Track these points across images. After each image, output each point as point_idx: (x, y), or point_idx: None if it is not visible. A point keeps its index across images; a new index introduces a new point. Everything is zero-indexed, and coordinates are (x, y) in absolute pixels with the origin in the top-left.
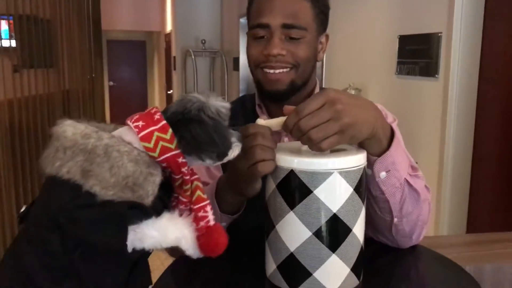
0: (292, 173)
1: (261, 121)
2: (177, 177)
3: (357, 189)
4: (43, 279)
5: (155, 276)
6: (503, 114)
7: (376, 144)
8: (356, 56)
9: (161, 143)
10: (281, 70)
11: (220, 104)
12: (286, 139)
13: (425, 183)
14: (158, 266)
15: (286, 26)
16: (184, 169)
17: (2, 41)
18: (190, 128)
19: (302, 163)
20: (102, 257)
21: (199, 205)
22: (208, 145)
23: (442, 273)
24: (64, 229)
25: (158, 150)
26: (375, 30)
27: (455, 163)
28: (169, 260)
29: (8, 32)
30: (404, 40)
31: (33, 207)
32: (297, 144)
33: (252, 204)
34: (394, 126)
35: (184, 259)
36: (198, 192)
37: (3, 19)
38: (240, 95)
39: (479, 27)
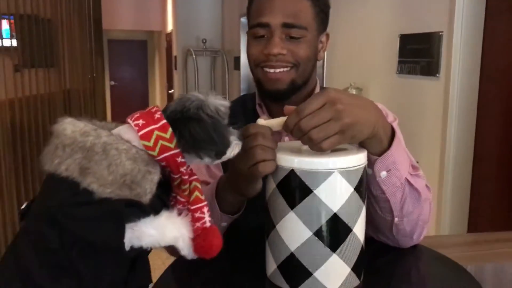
0: (292, 173)
1: (261, 121)
2: (175, 176)
3: (358, 189)
4: (42, 276)
5: (156, 275)
6: (504, 113)
7: (377, 143)
8: (357, 56)
9: (160, 142)
10: (281, 70)
11: (219, 103)
12: (286, 138)
13: (426, 183)
14: (159, 266)
15: (286, 26)
16: (182, 169)
17: (3, 40)
18: (189, 127)
19: (302, 162)
20: (100, 255)
21: (197, 206)
22: (207, 143)
23: (443, 273)
24: (63, 226)
25: (157, 149)
26: (376, 29)
27: (456, 162)
28: (170, 260)
29: (9, 31)
30: (405, 39)
31: (33, 204)
32: (297, 143)
33: (252, 204)
34: (395, 125)
35: (185, 258)
36: (196, 193)
37: (4, 18)
38: (241, 94)
39: (480, 26)
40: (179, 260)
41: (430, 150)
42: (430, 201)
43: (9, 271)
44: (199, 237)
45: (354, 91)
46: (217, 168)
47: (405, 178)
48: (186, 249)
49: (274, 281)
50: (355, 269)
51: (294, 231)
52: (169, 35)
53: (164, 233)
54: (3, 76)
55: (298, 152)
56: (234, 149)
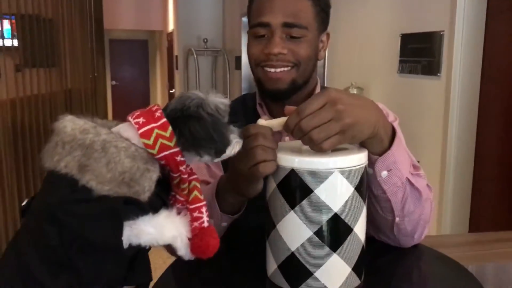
0: (292, 173)
1: (262, 122)
2: (175, 175)
3: (358, 189)
4: (42, 272)
5: (157, 274)
6: (505, 113)
7: (378, 143)
8: (358, 55)
9: (160, 140)
10: (282, 69)
11: (219, 101)
12: (287, 138)
13: (427, 182)
14: (160, 265)
15: (286, 25)
16: (182, 168)
17: (5, 40)
18: (189, 125)
19: (303, 162)
20: (100, 252)
21: (195, 205)
22: (206, 141)
23: (444, 273)
24: (62, 223)
25: (157, 147)
26: (377, 29)
27: (457, 162)
28: (171, 259)
29: (10, 31)
30: (406, 39)
31: (34, 201)
32: (297, 143)
33: (252, 204)
34: (395, 125)
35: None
36: (195, 193)
37: (6, 18)
38: (242, 94)
39: (481, 26)
40: (180, 260)
41: (431, 149)
42: (431, 200)
43: (10, 268)
44: (196, 236)
45: (355, 91)
46: (218, 167)
47: (406, 177)
48: (183, 249)
49: (275, 281)
50: (356, 269)
51: (294, 231)
52: (170, 35)
53: (162, 232)
54: (5, 76)
55: (298, 152)
56: (234, 147)
